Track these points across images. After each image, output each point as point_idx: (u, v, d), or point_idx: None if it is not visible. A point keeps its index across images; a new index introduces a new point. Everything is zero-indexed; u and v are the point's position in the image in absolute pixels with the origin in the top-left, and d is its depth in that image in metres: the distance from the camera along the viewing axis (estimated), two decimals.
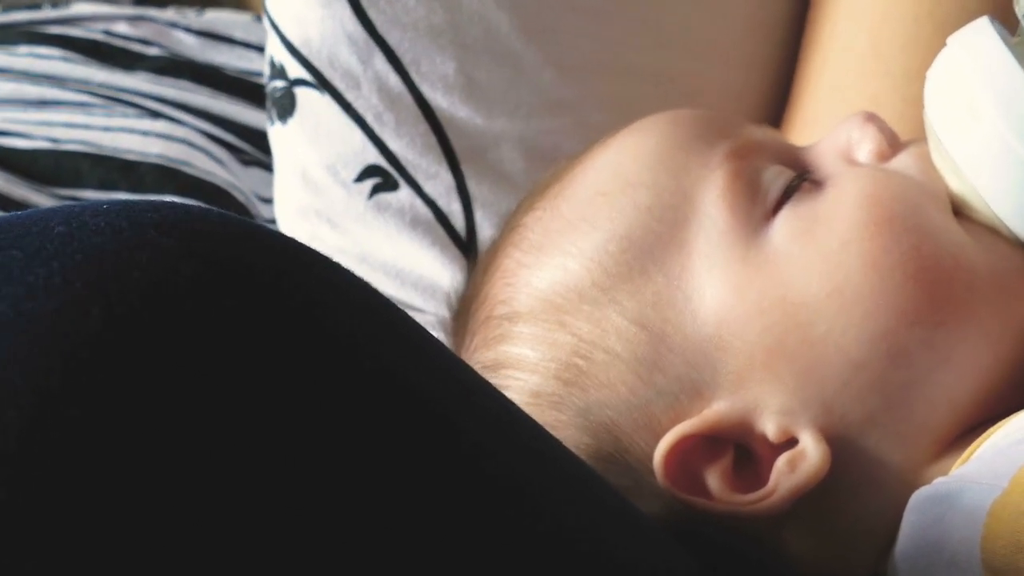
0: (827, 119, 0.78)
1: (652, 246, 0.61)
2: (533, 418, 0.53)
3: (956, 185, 0.60)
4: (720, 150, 0.63)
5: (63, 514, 0.38)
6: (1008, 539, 0.49)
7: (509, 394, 0.63)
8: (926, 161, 0.62)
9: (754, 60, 0.84)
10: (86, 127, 1.02)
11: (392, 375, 0.45)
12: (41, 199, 0.96)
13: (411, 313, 0.70)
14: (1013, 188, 0.59)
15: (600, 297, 0.62)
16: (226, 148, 1.02)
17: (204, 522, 0.41)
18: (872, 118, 0.64)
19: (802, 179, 0.62)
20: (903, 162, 0.62)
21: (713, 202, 0.61)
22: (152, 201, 0.45)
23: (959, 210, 0.61)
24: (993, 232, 0.60)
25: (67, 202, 0.91)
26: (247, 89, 1.07)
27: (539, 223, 0.65)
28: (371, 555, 0.44)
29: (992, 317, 0.59)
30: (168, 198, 0.96)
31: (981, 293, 0.59)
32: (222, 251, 0.43)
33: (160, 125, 1.02)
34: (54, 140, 1.00)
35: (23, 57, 1.07)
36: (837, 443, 0.58)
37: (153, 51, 1.10)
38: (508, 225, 0.68)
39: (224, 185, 0.99)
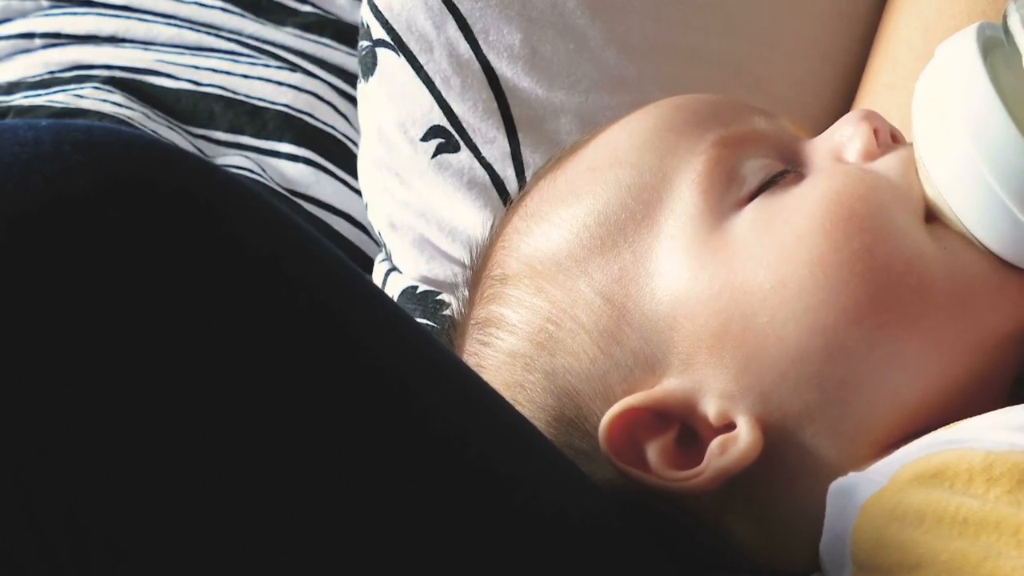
0: None
1: (625, 223, 0.64)
2: (460, 361, 0.57)
3: (931, 192, 0.60)
4: (710, 136, 0.64)
5: None
6: (871, 534, 0.50)
7: (488, 351, 0.67)
8: (910, 165, 0.62)
9: (829, 52, 0.84)
10: (228, 73, 1.09)
11: (296, 289, 0.49)
12: (173, 135, 1.03)
13: (459, 270, 0.75)
14: (978, 205, 0.58)
15: (574, 268, 0.64)
16: (353, 103, 1.07)
17: (94, 431, 0.46)
18: (869, 116, 0.64)
19: (785, 173, 0.63)
20: (887, 163, 0.62)
21: (688, 185, 0.63)
22: (92, 124, 0.50)
23: (935, 216, 0.61)
24: (964, 241, 0.60)
25: (186, 139, 0.99)
26: None
27: (538, 192, 0.69)
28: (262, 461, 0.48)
29: (946, 325, 0.58)
30: (284, 145, 1.03)
31: (934, 300, 0.58)
32: (127, 169, 0.48)
33: (295, 77, 1.09)
34: (196, 83, 1.08)
35: (188, 5, 1.16)
36: (774, 433, 0.59)
37: (306, 8, 1.16)
38: (521, 192, 0.71)
39: (341, 137, 1.05)
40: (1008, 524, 0.45)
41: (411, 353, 0.53)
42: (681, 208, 0.63)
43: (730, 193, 0.62)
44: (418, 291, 0.85)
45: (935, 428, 0.57)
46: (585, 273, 0.64)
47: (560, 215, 0.66)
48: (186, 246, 0.48)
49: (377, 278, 0.89)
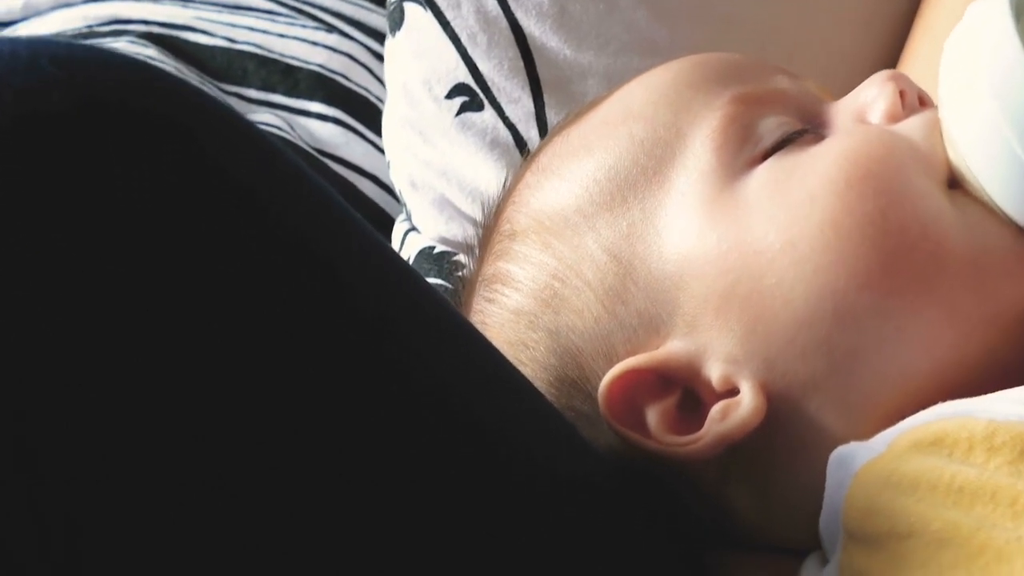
0: None
1: (636, 178, 0.61)
2: (454, 309, 0.55)
3: (954, 157, 0.58)
4: (728, 93, 0.62)
5: None
6: (863, 502, 0.47)
7: (493, 308, 0.65)
8: (935, 128, 0.59)
9: (870, 24, 0.81)
10: (264, 32, 1.08)
11: (272, 220, 0.48)
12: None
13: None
14: (1003, 173, 0.55)
15: (582, 223, 0.62)
16: None
17: (64, 360, 0.44)
18: (895, 77, 0.61)
19: (803, 132, 0.60)
20: (911, 125, 0.59)
21: (702, 141, 0.60)
22: (74, 42, 0.49)
23: (958, 182, 0.58)
24: (986, 209, 0.57)
25: (220, 95, 0.98)
26: None
27: (551, 146, 0.66)
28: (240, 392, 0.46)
29: (963, 295, 0.55)
30: (314, 104, 1.02)
31: (951, 268, 0.55)
32: (104, 87, 0.46)
33: (332, 38, 1.08)
34: (231, 40, 1.07)
35: None
36: (778, 401, 0.57)
37: None
38: (537, 147, 0.69)
39: (374, 99, 1.03)
40: (1005, 494, 0.42)
41: (394, 293, 0.51)
42: (693, 164, 0.60)
43: (744, 151, 0.60)
44: (435, 251, 0.83)
45: None
46: (593, 229, 0.61)
47: (571, 169, 0.64)
48: (159, 170, 0.46)
49: (396, 239, 0.88)
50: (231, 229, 0.47)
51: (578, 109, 0.69)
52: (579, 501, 0.56)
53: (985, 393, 0.53)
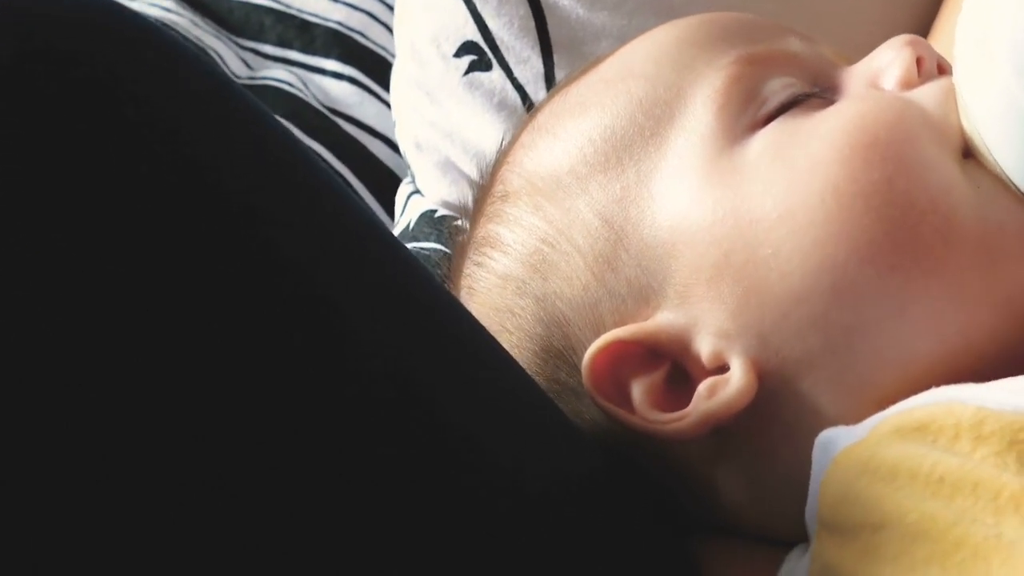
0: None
1: (633, 139, 0.58)
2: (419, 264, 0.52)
3: (967, 126, 0.54)
4: (735, 52, 0.58)
5: None
6: (838, 488, 0.44)
7: (481, 272, 0.62)
8: (951, 96, 0.55)
9: None
10: None
11: (205, 174, 0.45)
12: (219, 44, 1.00)
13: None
14: (1019, 147, 0.52)
15: (574, 185, 0.59)
16: None
17: None
18: (913, 43, 0.57)
19: (811, 95, 0.56)
20: (926, 92, 0.56)
21: (703, 102, 0.57)
22: None
23: (972, 153, 0.54)
24: (1000, 184, 0.53)
25: (233, 50, 0.95)
26: None
27: (549, 105, 0.63)
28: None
29: (971, 275, 0.52)
30: (330, 62, 0.99)
31: (959, 245, 0.52)
32: (42, 33, 0.44)
33: None
34: None
35: None
36: (770, 379, 0.53)
37: None
38: (536, 106, 0.66)
39: (390, 58, 1.00)
40: (987, 487, 0.39)
41: (337, 255, 0.48)
42: (693, 126, 0.57)
43: (747, 113, 0.56)
44: (436, 215, 0.80)
45: None
46: (585, 192, 0.58)
47: (566, 128, 0.60)
48: (90, 123, 0.43)
49: (400, 200, 0.85)
50: (162, 185, 0.44)
51: (583, 67, 0.65)
52: (555, 492, 0.52)
53: (993, 381, 0.50)
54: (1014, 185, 0.52)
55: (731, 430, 0.54)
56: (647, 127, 0.58)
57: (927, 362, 0.52)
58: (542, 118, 0.63)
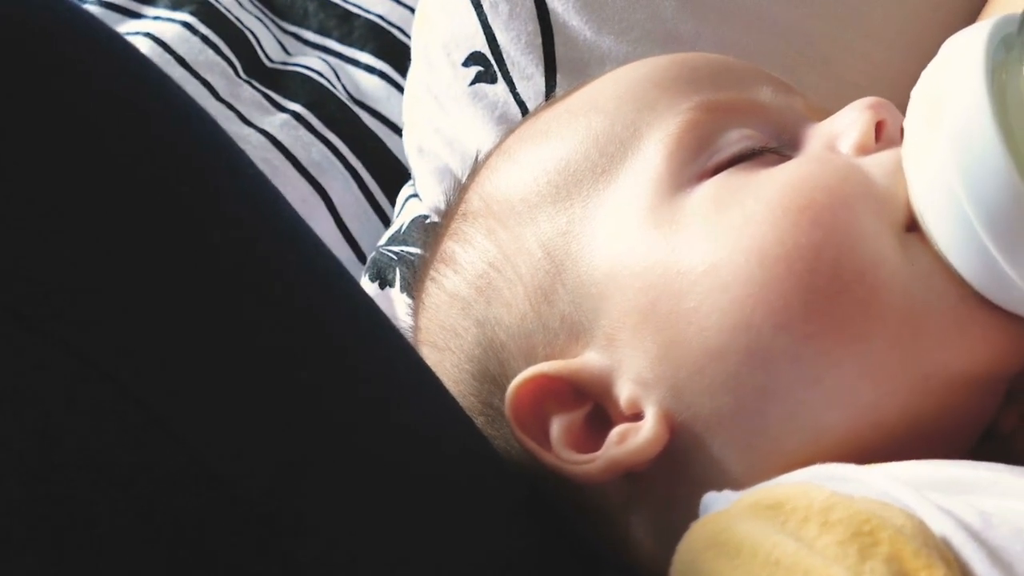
0: None
1: (584, 174, 0.58)
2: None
3: (911, 199, 0.53)
4: (697, 98, 0.57)
5: None
6: (689, 557, 0.44)
7: (434, 289, 0.63)
8: (902, 166, 0.54)
9: (915, 43, 0.75)
10: None
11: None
12: (258, 26, 1.01)
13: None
14: (953, 230, 0.50)
15: (525, 213, 0.59)
16: None
17: None
18: (876, 106, 0.56)
19: (767, 150, 0.56)
20: (878, 160, 0.54)
21: (655, 145, 0.56)
22: None
23: (917, 227, 0.53)
24: (937, 261, 0.51)
25: (274, 32, 0.96)
26: None
27: (519, 129, 0.63)
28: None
29: (890, 351, 0.50)
30: (364, 55, 1.00)
31: (881, 320, 0.50)
32: None
33: None
34: None
35: None
36: (681, 432, 0.53)
37: None
38: (511, 127, 0.66)
39: None
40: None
41: (261, 210, 0.50)
42: (642, 168, 0.56)
43: (697, 161, 0.55)
44: (428, 221, 0.81)
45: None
46: (534, 221, 0.58)
47: (527, 155, 0.60)
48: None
49: (400, 200, 0.86)
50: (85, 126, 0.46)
51: (560, 94, 0.65)
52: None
53: (912, 458, 0.49)
54: (950, 264, 0.51)
55: (644, 478, 0.54)
56: (599, 164, 0.57)
57: (837, 433, 0.51)
58: (510, 141, 0.63)
